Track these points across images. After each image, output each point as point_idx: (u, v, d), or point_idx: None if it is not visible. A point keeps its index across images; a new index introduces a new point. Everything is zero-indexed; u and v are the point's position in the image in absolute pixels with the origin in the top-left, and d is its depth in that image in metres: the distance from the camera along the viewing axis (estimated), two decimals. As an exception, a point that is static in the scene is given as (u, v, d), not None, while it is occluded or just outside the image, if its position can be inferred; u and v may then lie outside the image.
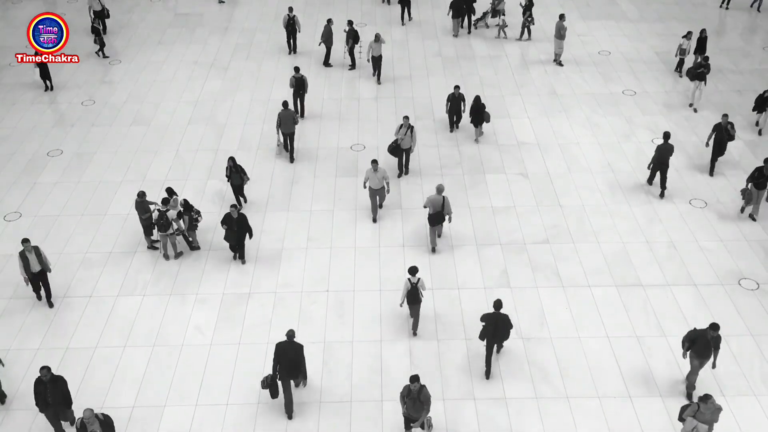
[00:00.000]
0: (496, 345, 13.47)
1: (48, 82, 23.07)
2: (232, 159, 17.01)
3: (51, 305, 14.98)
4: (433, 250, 16.31)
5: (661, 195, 17.92)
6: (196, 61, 24.98)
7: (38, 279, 14.74)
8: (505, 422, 12.52)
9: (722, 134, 18.10)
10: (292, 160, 19.55)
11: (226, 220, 15.57)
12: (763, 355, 13.69)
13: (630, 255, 16.16)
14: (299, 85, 21.00)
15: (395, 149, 18.41)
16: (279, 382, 12.45)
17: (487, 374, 13.31)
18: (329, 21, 24.11)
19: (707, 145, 18.70)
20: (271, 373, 12.44)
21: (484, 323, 13.01)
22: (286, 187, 18.50)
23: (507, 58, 24.94)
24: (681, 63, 23.44)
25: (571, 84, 23.20)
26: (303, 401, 12.90)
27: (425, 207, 16.05)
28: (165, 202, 15.66)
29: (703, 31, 23.18)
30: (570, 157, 19.55)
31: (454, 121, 20.56)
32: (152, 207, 16.04)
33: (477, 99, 19.95)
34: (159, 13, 28.59)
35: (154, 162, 19.58)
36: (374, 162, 16.57)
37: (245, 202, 17.84)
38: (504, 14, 26.27)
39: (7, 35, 26.99)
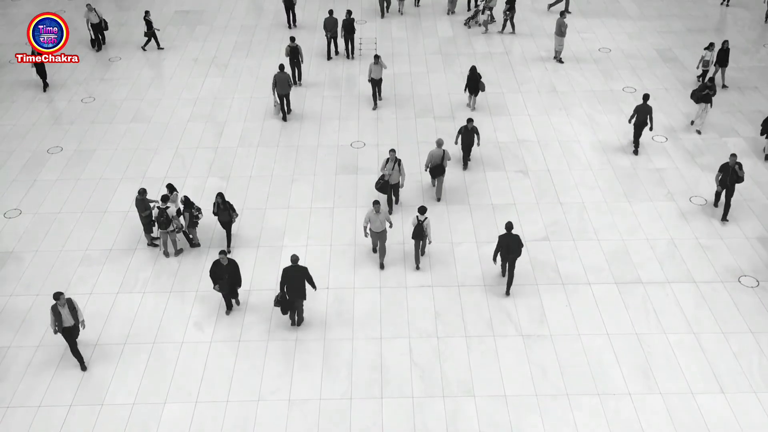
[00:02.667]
0: (508, 263, 14.82)
1: (44, 82, 22.91)
2: (220, 195, 15.68)
3: (84, 368, 13.49)
4: (438, 199, 17.77)
5: (635, 152, 19.48)
6: (196, 58, 24.96)
7: (70, 333, 13.20)
8: (505, 420, 12.53)
9: (730, 175, 16.55)
10: (285, 118, 21.26)
11: (216, 270, 14.04)
12: (763, 353, 13.70)
13: (630, 252, 16.16)
14: (294, 54, 22.46)
15: (384, 186, 16.85)
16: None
17: (507, 290, 15.04)
18: (330, 12, 24.34)
19: (717, 187, 17.02)
20: (279, 292, 13.97)
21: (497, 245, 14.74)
22: (286, 184, 18.49)
23: (507, 55, 24.92)
24: (704, 75, 22.06)
25: (572, 81, 23.19)
26: (303, 400, 12.92)
27: (427, 165, 17.40)
28: (165, 199, 15.65)
29: (725, 42, 21.96)
30: (570, 155, 19.54)
31: (466, 157, 18.65)
32: (152, 205, 16.04)
33: (473, 69, 21.15)
34: (159, 11, 28.55)
35: (154, 159, 19.57)
36: (376, 203, 14.97)
37: (229, 247, 16.26)
38: (491, 10, 26.54)
39: (6, 33, 26.97)
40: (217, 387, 13.19)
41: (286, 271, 13.87)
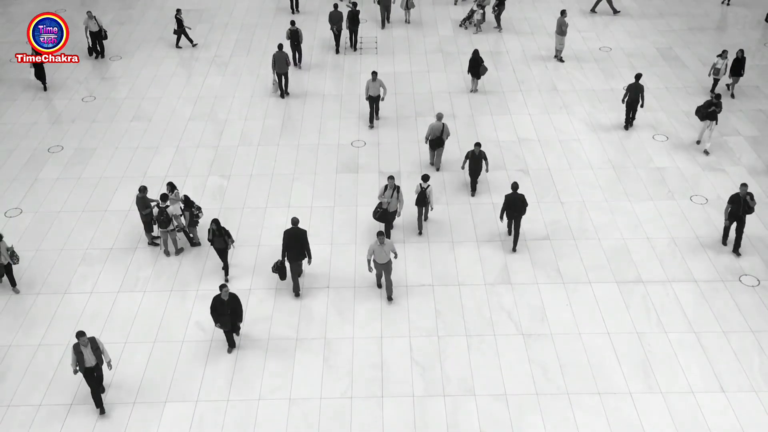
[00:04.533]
0: (514, 221, 15.79)
1: (43, 83, 22.79)
2: (215, 222, 14.88)
3: (102, 412, 12.65)
4: (437, 169, 18.58)
5: (626, 128, 20.39)
6: (196, 57, 24.96)
7: (93, 373, 12.44)
8: (505, 418, 12.53)
9: (741, 207, 15.59)
10: (283, 96, 22.26)
11: (217, 305, 13.18)
12: (764, 352, 13.69)
13: (630, 251, 16.16)
14: (294, 37, 23.29)
15: (383, 215, 16.06)
16: (287, 266, 14.84)
17: (514, 247, 16.01)
18: (335, 5, 24.56)
19: (726, 220, 15.90)
20: (280, 258, 14.72)
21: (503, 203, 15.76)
22: (287, 183, 18.49)
23: (508, 54, 24.90)
24: (715, 84, 21.51)
25: (572, 80, 23.17)
26: (304, 398, 12.92)
27: (427, 137, 18.31)
28: (164, 198, 15.63)
29: (740, 51, 21.22)
30: (571, 154, 19.53)
31: (474, 183, 17.84)
32: (152, 204, 16.03)
33: (476, 52, 21.74)
34: (159, 9, 28.55)
35: (155, 158, 19.58)
36: (380, 235, 14.21)
37: (227, 276, 15.63)
38: (483, 9, 26.56)
39: (7, 32, 26.97)
40: (218, 386, 13.19)
41: (287, 232, 14.53)
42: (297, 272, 14.88)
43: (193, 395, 13.04)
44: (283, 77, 22.00)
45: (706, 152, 19.26)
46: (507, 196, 15.77)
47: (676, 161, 19.10)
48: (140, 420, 12.60)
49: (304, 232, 14.69)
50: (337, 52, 24.98)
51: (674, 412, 12.58)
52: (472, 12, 26.68)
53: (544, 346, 13.91)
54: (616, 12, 27.53)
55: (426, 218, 16.83)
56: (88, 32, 24.42)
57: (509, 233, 16.40)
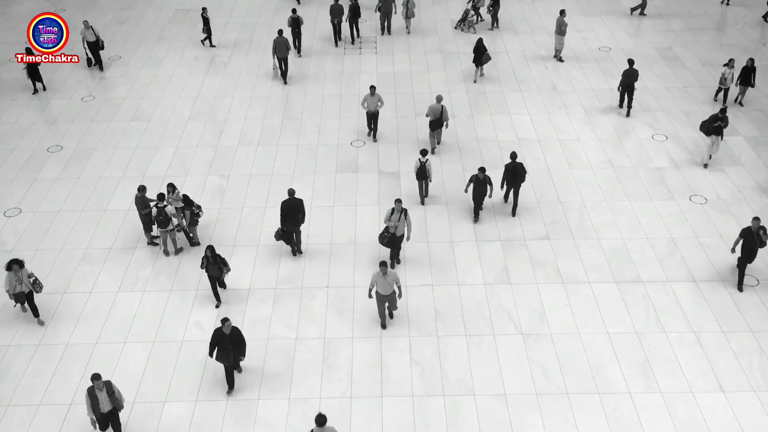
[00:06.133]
0: (513, 189, 16.84)
1: (37, 84, 22.57)
2: (210, 248, 14.09)
3: None
4: (432, 151, 19.32)
5: (627, 114, 21.07)
6: (196, 56, 24.96)
7: (108, 420, 11.87)
8: (505, 418, 12.54)
9: (753, 241, 14.73)
10: (285, 81, 23.05)
11: (218, 339, 12.44)
12: (763, 352, 13.70)
13: (630, 251, 16.16)
14: (295, 24, 24.05)
15: (391, 240, 15.30)
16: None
17: (513, 212, 17.07)
18: None
19: (733, 251, 15.06)
20: (280, 227, 15.61)
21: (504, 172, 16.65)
22: (287, 183, 18.48)
23: (507, 54, 24.91)
24: (723, 93, 21.16)
25: (572, 80, 23.18)
26: (303, 398, 12.92)
27: (427, 116, 19.09)
28: (161, 197, 15.60)
29: (750, 60, 20.64)
30: (570, 153, 19.54)
31: (477, 208, 16.97)
32: (151, 204, 16.02)
33: (480, 40, 22.53)
34: (159, 9, 28.55)
35: (154, 158, 19.57)
36: (383, 265, 13.46)
37: (223, 288, 15.21)
38: (478, 10, 26.65)
39: (7, 31, 26.96)
40: (217, 386, 13.19)
41: (284, 203, 15.38)
42: (296, 239, 15.93)
43: (193, 395, 13.03)
44: (283, 62, 22.72)
45: (705, 165, 18.81)
46: (507, 165, 16.66)
47: (675, 161, 19.11)
48: (140, 419, 12.59)
49: (300, 202, 15.51)
50: (336, 44, 25.35)
51: (673, 411, 12.59)
52: (467, 13, 26.69)
53: (543, 346, 13.92)
54: (637, 12, 27.72)
55: (427, 193, 17.63)
56: (85, 43, 23.49)
57: (505, 201, 17.48)
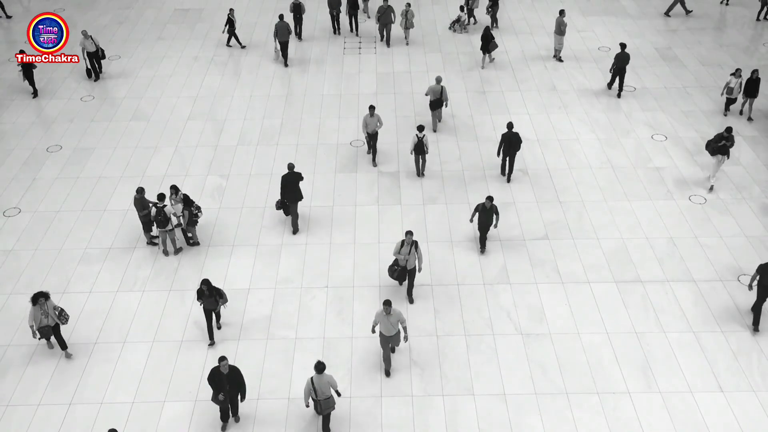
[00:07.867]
0: (509, 157, 17.91)
1: (33, 86, 22.37)
2: (205, 282, 13.43)
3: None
4: (434, 129, 20.25)
5: (618, 95, 21.99)
6: (195, 56, 24.95)
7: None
8: (504, 418, 12.54)
9: None
10: (286, 65, 24.12)
11: (215, 378, 11.87)
12: (762, 351, 13.71)
13: (629, 251, 16.17)
14: (297, 10, 25.15)
15: (401, 273, 14.66)
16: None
17: (508, 179, 18.24)
18: None
19: (750, 288, 14.23)
20: (280, 198, 16.39)
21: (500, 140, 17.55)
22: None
23: (507, 54, 24.91)
24: (728, 103, 20.83)
25: (571, 80, 23.18)
26: (303, 398, 12.90)
27: (426, 95, 20.04)
28: (161, 197, 15.60)
29: (754, 72, 20.16)
30: (569, 153, 19.54)
31: (483, 238, 16.11)
32: (150, 204, 16.00)
33: (487, 29, 23.40)
34: (158, 9, 28.54)
35: (154, 157, 19.57)
36: (387, 304, 12.70)
37: (218, 328, 14.35)
38: (473, 12, 26.71)
39: (6, 31, 26.95)
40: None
41: (284, 177, 16.16)
42: (294, 214, 16.57)
43: (192, 395, 13.03)
44: (283, 46, 23.70)
45: (711, 188, 17.99)
46: (503, 134, 17.67)
47: (674, 161, 19.12)
48: (140, 419, 12.59)
49: (298, 176, 16.23)
50: (335, 32, 26.20)
51: (673, 411, 12.59)
52: (460, 16, 26.64)
53: (543, 345, 13.92)
54: (688, 12, 27.62)
55: (424, 168, 18.52)
56: (84, 53, 22.75)
57: (502, 173, 18.44)
